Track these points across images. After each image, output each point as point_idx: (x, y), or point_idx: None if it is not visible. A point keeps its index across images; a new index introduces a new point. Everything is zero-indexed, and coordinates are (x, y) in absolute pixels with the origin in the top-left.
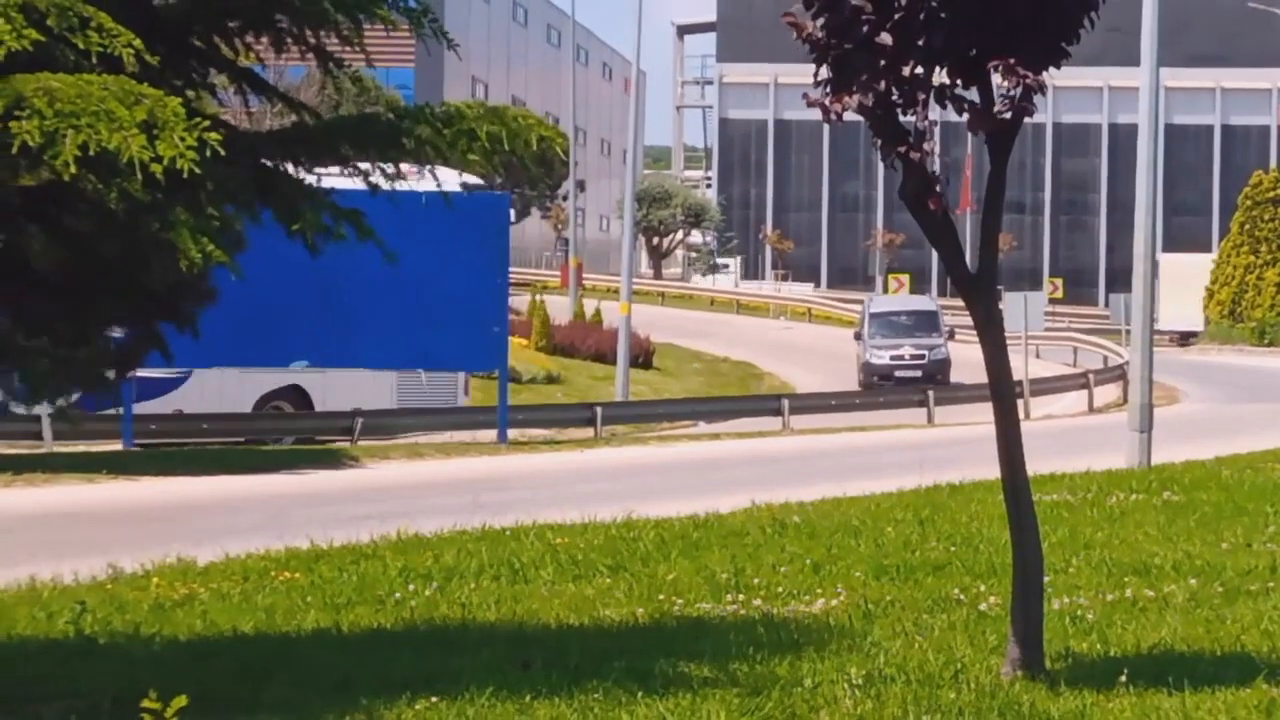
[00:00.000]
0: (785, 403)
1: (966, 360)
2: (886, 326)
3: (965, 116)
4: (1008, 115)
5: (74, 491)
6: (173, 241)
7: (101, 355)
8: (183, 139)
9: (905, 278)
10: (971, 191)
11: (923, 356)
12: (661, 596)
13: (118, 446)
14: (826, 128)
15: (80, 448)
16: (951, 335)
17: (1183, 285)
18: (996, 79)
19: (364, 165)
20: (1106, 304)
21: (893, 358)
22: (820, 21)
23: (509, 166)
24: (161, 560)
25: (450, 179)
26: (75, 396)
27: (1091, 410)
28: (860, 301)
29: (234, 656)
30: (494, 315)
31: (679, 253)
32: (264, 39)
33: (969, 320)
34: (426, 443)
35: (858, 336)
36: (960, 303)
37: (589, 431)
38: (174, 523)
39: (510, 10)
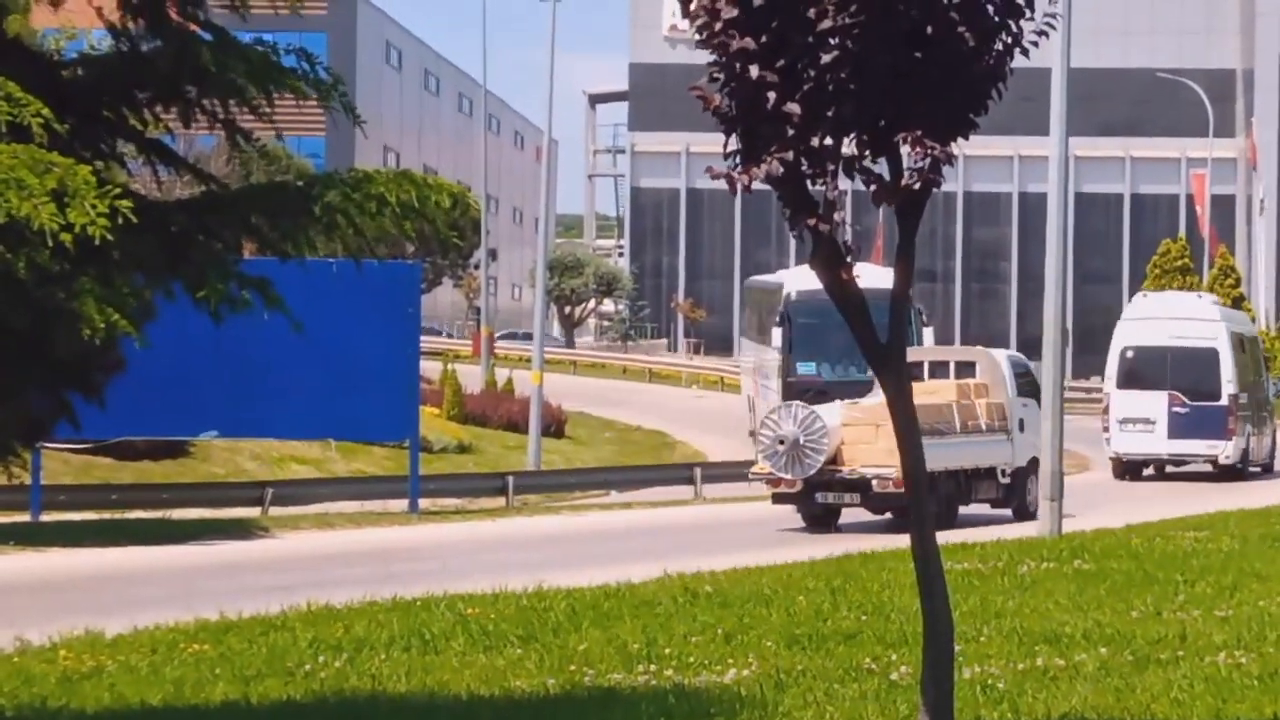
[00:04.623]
0: (697, 471)
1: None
2: None
3: (872, 189)
4: (916, 186)
5: None
6: (78, 311)
7: (9, 424)
8: (94, 206)
9: None
10: (883, 259)
11: None
12: (573, 667)
13: (25, 518)
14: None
15: None
16: None
17: None
18: (905, 150)
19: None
20: None
21: None
22: (727, 93)
23: (421, 234)
24: (69, 632)
25: None
26: None
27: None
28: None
29: None
30: (406, 385)
31: (591, 321)
32: (172, 110)
33: None
34: (337, 513)
35: None
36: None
37: (501, 501)
38: (82, 594)
39: (422, 79)
